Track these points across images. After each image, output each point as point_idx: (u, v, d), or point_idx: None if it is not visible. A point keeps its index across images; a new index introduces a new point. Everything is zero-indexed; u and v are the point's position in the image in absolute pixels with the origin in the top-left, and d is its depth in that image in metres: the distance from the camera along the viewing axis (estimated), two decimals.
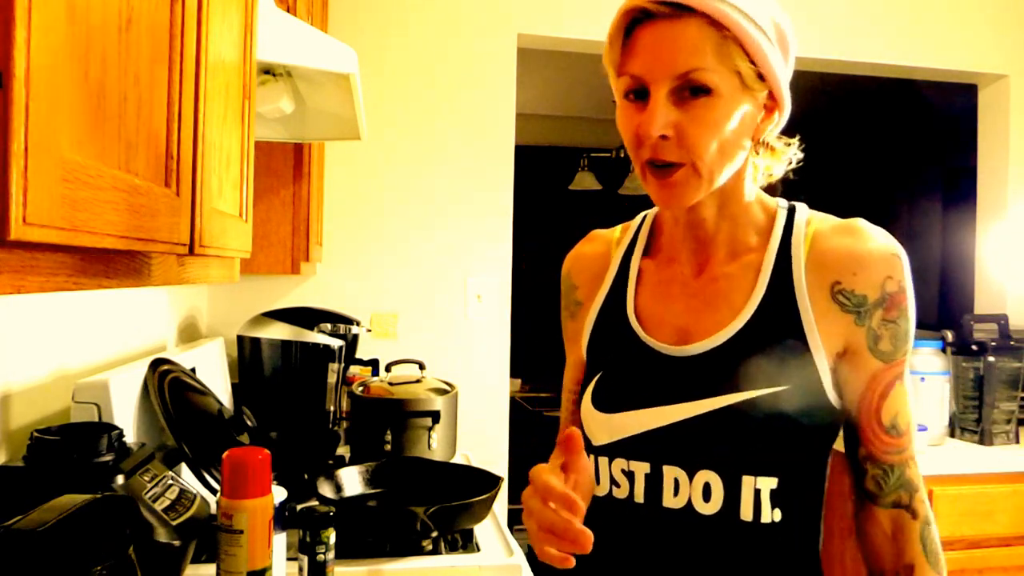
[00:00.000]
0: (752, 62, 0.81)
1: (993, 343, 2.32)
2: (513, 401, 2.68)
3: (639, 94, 0.83)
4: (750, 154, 0.89)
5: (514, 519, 2.48)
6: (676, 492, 0.86)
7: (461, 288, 2.52)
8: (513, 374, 2.57)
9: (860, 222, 0.88)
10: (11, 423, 1.15)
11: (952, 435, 2.38)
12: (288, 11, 1.44)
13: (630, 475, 0.89)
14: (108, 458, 1.00)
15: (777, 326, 0.85)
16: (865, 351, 0.85)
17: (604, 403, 0.92)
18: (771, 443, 0.83)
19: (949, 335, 2.39)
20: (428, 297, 2.50)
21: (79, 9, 0.46)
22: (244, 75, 0.97)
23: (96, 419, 1.19)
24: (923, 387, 2.28)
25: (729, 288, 0.89)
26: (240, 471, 0.92)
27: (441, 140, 2.50)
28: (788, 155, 0.93)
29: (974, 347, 2.33)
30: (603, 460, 0.91)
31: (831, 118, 4.98)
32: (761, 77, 0.83)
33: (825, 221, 0.90)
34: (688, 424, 0.85)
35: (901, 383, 0.87)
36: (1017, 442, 2.33)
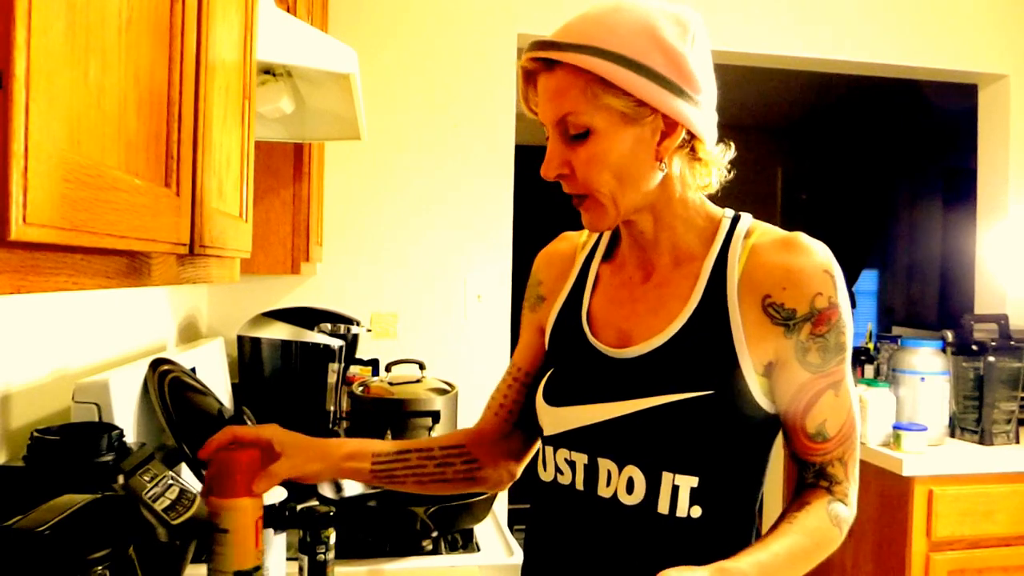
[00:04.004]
0: (627, 96, 0.86)
1: (993, 343, 2.32)
2: None
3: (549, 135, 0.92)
4: (677, 168, 0.92)
5: (514, 519, 2.48)
6: (608, 483, 0.92)
7: (461, 288, 2.52)
8: None
9: (799, 237, 0.92)
10: (11, 423, 1.15)
11: (952, 435, 2.38)
12: (288, 11, 1.44)
13: (572, 464, 0.96)
14: (108, 458, 1.00)
15: (707, 334, 0.90)
16: (794, 362, 0.90)
17: (552, 397, 0.99)
18: (692, 444, 0.88)
19: (949, 335, 2.39)
20: (428, 297, 2.50)
21: (79, 9, 0.46)
22: (244, 75, 0.97)
23: (96, 419, 1.19)
24: (923, 387, 2.28)
25: (669, 295, 0.95)
26: (227, 471, 0.93)
27: (441, 140, 2.50)
28: (718, 166, 0.95)
29: (974, 347, 2.33)
30: (549, 449, 0.99)
31: (832, 118, 4.98)
32: (641, 105, 0.86)
33: (765, 234, 0.94)
34: (620, 421, 0.92)
35: (835, 392, 0.91)
36: (1017, 442, 2.33)
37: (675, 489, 0.89)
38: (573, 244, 1.09)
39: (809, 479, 0.94)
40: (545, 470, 1.00)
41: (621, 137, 0.87)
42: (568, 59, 0.85)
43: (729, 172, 0.96)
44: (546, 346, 1.06)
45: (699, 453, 0.89)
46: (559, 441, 0.97)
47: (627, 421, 0.91)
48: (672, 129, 0.88)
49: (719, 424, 0.88)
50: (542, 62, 0.88)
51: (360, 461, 1.03)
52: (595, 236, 1.07)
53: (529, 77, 0.91)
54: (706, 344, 0.90)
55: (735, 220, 0.96)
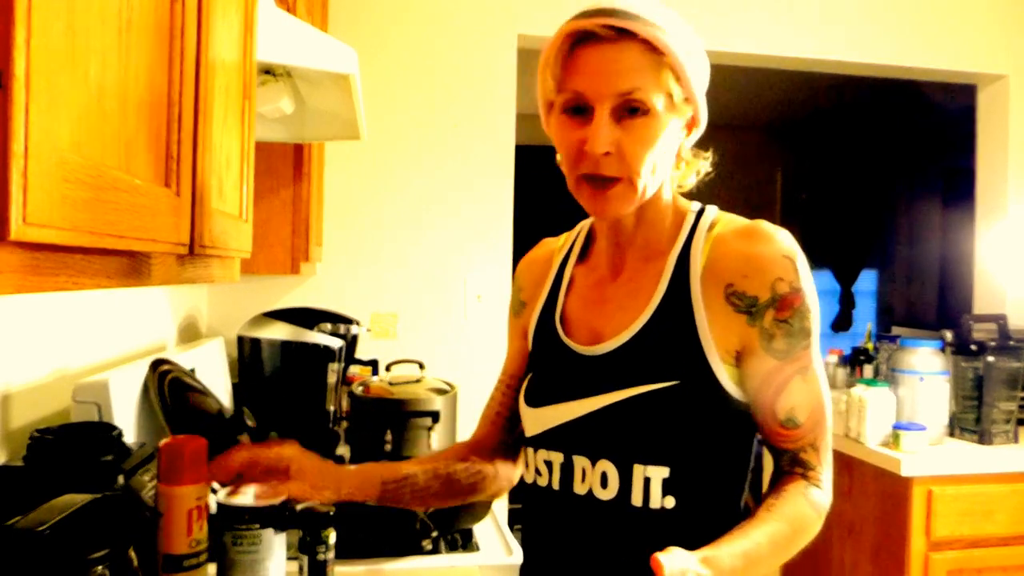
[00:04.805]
0: (680, 85, 0.88)
1: (992, 343, 2.32)
2: None
3: (578, 110, 0.88)
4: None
5: (514, 519, 2.48)
6: (583, 479, 0.93)
7: (461, 288, 2.52)
8: None
9: (760, 224, 0.93)
10: (11, 423, 1.15)
11: (951, 435, 2.38)
12: (288, 11, 1.44)
13: (548, 464, 0.97)
14: (108, 458, 1.00)
15: (672, 326, 0.91)
16: (759, 349, 0.90)
17: (531, 399, 1.00)
18: (660, 434, 0.89)
19: (948, 335, 2.39)
20: (428, 297, 2.50)
21: (79, 9, 0.46)
22: (244, 75, 0.97)
23: (96, 419, 1.19)
24: (922, 387, 2.28)
25: (637, 291, 0.96)
26: (171, 460, 0.97)
27: (441, 140, 2.50)
28: (699, 166, 0.99)
29: (973, 347, 2.33)
30: (530, 451, 1.00)
31: (831, 118, 4.98)
32: (686, 99, 0.90)
33: (728, 224, 0.95)
34: (590, 417, 0.93)
35: (802, 377, 0.91)
36: (1016, 442, 2.33)
37: (647, 481, 0.89)
38: (550, 249, 1.11)
39: (784, 466, 0.95)
40: (527, 472, 1.01)
41: (668, 124, 0.88)
42: (650, 36, 0.84)
43: (709, 174, 0.99)
44: (529, 350, 1.07)
45: (668, 443, 0.89)
46: (538, 442, 0.98)
47: (597, 416, 0.92)
48: (691, 127, 0.93)
49: (686, 414, 0.89)
50: (615, 31, 0.85)
51: (369, 489, 1.02)
52: (571, 240, 1.08)
53: (577, 43, 0.86)
54: (671, 336, 0.91)
55: (700, 212, 0.97)
